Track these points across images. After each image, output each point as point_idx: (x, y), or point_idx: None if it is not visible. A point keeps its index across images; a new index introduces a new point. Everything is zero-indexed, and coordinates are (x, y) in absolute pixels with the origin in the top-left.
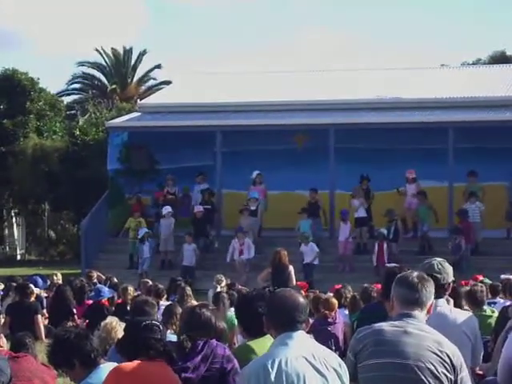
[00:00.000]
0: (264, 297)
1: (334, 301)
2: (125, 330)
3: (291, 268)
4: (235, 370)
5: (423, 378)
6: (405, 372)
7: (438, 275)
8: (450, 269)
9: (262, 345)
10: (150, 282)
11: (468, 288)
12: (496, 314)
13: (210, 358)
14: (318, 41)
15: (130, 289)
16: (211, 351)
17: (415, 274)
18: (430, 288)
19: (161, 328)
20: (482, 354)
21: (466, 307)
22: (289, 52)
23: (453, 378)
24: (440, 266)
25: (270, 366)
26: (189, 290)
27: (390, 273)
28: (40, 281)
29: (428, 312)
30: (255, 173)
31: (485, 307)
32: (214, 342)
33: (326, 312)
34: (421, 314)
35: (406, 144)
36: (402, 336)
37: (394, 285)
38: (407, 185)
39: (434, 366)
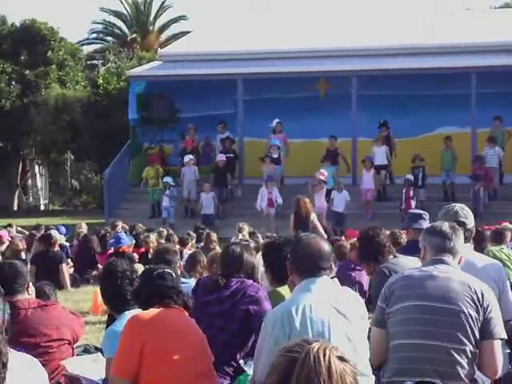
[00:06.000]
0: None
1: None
2: (138, 278)
3: (314, 215)
4: (261, 314)
5: (448, 319)
6: (430, 314)
7: (465, 220)
8: (471, 213)
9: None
10: (165, 232)
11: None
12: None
13: (238, 295)
14: None
15: (152, 237)
16: (242, 289)
17: (447, 223)
18: (461, 238)
19: (174, 276)
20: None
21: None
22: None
23: (481, 318)
24: (464, 211)
25: (294, 313)
26: (214, 236)
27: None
28: (63, 228)
29: (459, 262)
30: (275, 121)
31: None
32: (249, 281)
33: (352, 257)
34: (453, 261)
35: (429, 90)
36: (427, 279)
37: (425, 235)
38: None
39: (460, 307)
